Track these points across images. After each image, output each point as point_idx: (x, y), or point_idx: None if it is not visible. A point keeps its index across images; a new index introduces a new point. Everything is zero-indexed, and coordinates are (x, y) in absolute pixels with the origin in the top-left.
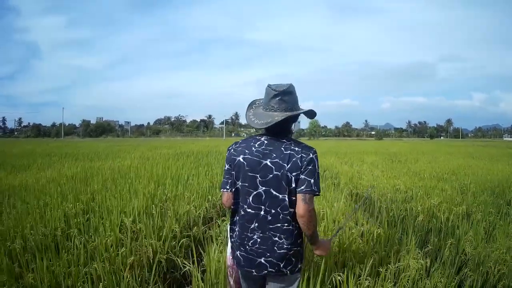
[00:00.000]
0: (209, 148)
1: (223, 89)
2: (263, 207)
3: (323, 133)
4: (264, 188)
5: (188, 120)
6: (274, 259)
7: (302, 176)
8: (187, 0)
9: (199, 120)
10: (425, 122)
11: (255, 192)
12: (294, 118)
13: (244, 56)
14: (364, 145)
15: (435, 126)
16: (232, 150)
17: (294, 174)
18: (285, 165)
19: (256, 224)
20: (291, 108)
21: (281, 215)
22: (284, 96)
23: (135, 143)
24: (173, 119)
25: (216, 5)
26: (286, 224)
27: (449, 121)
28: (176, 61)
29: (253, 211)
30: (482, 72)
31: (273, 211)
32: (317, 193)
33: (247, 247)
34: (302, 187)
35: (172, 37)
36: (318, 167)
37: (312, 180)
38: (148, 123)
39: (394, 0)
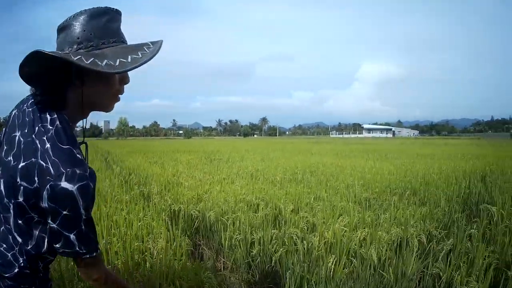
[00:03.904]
0: None
1: None
2: None
3: (131, 133)
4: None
5: None
6: None
7: (51, 224)
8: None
9: None
10: (237, 120)
11: None
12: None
13: None
14: (174, 144)
15: (248, 124)
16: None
17: (24, 185)
18: (17, 163)
19: None
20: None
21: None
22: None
23: None
24: None
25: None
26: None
27: (264, 119)
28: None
29: None
30: (307, 71)
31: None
32: (87, 254)
33: None
34: (58, 245)
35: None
36: (82, 206)
37: (73, 236)
38: None
39: (223, 1)
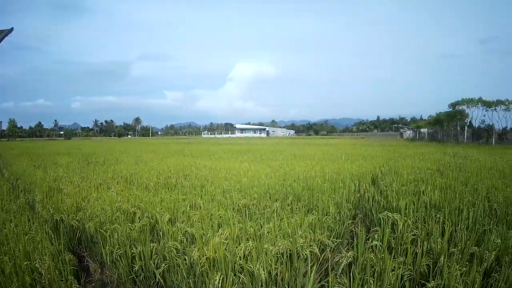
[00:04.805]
0: None
1: None
2: None
3: (19, 134)
4: None
5: None
6: None
7: None
8: None
9: None
10: (112, 121)
11: None
12: None
13: None
14: (55, 146)
15: (122, 124)
16: None
17: None
18: None
19: None
20: None
21: None
22: None
23: None
24: None
25: None
26: None
27: (137, 120)
28: None
29: None
30: (180, 71)
31: None
32: None
33: None
34: None
35: None
36: None
37: None
38: None
39: (99, 1)
